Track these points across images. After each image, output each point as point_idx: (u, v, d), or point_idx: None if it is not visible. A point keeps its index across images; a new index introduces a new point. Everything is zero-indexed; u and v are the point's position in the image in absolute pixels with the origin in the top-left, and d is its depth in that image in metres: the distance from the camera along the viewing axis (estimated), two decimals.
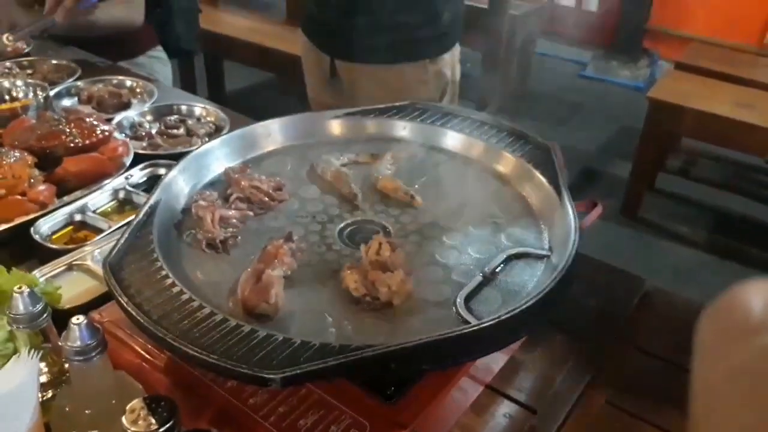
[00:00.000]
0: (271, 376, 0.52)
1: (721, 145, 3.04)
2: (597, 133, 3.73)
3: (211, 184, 0.85)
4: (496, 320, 0.59)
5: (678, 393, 0.84)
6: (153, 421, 0.57)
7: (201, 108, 1.42)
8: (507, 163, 0.89)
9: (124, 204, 1.11)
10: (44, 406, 0.64)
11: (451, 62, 1.57)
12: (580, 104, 4.14)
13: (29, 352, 0.60)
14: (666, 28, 4.43)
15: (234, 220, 0.78)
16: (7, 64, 1.59)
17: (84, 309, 0.79)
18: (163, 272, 0.64)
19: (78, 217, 1.06)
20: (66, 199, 1.07)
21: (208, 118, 1.39)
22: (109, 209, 1.10)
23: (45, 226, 1.02)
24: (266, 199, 0.82)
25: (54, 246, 0.99)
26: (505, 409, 0.79)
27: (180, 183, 0.81)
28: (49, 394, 0.69)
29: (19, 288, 0.65)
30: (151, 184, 1.14)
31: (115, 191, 1.12)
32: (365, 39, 1.47)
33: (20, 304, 0.64)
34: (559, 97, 4.20)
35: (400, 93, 1.43)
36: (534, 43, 4.06)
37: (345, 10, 1.47)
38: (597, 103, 4.15)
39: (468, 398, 0.77)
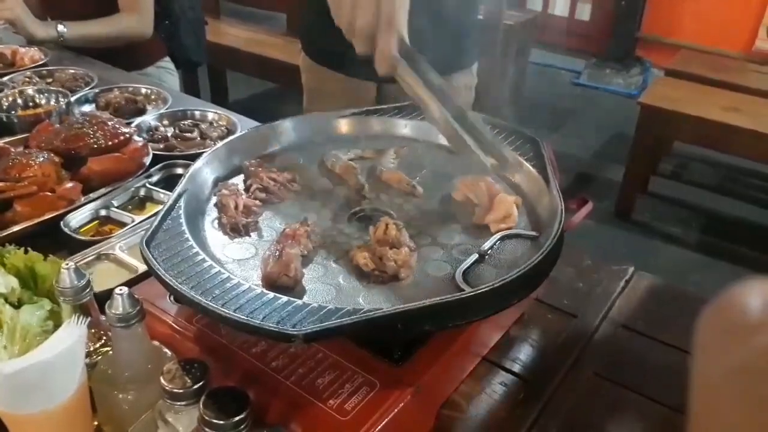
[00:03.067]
0: (295, 333, 0.60)
1: (712, 148, 3.13)
2: (591, 139, 3.83)
3: (232, 176, 0.93)
4: (488, 288, 0.68)
5: (657, 364, 0.93)
6: (188, 379, 0.65)
7: (213, 113, 1.50)
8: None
9: (144, 200, 1.19)
10: (87, 370, 0.72)
11: (474, 72, 1.62)
12: (573, 111, 4.23)
13: (77, 319, 0.68)
14: (658, 36, 4.53)
15: (254, 208, 0.86)
16: (27, 73, 1.67)
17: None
18: (194, 249, 0.72)
19: (103, 212, 1.14)
20: (92, 195, 1.15)
21: (220, 123, 1.47)
22: (131, 205, 1.18)
23: (73, 220, 1.10)
24: (282, 189, 0.90)
25: (83, 238, 1.07)
26: (501, 378, 0.87)
27: (204, 174, 0.89)
28: (90, 361, 0.77)
29: (66, 264, 0.73)
30: (169, 182, 1.22)
31: (137, 189, 1.20)
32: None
33: (66, 279, 0.72)
34: (553, 104, 4.30)
35: None
36: (528, 52, 4.15)
37: None
38: (591, 110, 4.25)
39: (467, 366, 0.84)
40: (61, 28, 1.92)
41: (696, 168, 3.50)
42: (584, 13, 5.03)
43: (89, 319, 0.75)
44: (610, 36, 4.61)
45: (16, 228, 1.05)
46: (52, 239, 1.05)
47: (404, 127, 1.06)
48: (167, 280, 0.67)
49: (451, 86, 1.49)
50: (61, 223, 1.07)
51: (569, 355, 0.91)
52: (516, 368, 0.88)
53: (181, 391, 0.63)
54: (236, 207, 0.83)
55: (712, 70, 3.23)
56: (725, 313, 0.38)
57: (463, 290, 0.71)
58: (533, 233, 0.84)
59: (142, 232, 0.76)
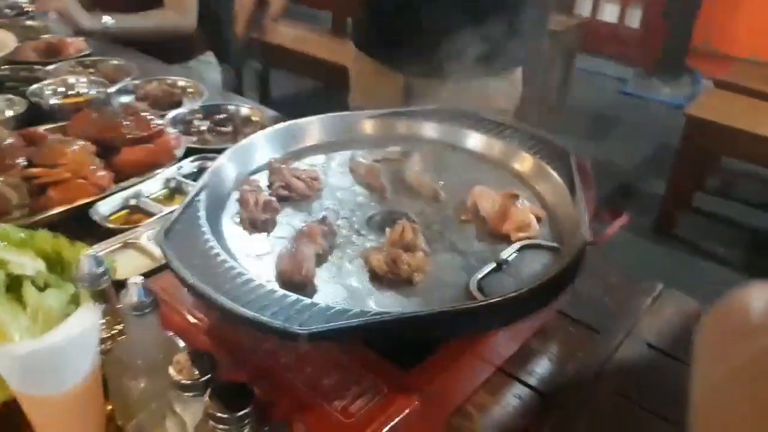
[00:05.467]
0: (299, 331, 0.60)
1: (762, 165, 3.01)
2: (635, 150, 3.74)
3: (255, 172, 0.94)
4: (500, 299, 0.66)
5: (683, 387, 0.90)
6: (196, 371, 0.65)
7: (247, 108, 1.51)
8: (526, 162, 0.95)
9: (174, 192, 1.21)
10: (102, 356, 0.73)
11: (521, 73, 1.60)
12: (619, 120, 4.15)
13: (93, 304, 0.69)
14: (710, 46, 4.40)
15: (274, 204, 0.86)
16: (72, 63, 1.72)
17: None
18: (210, 244, 0.73)
19: (133, 202, 1.16)
20: (123, 184, 1.17)
21: (254, 118, 1.49)
22: (161, 196, 1.20)
23: (103, 207, 1.12)
24: (304, 187, 0.90)
25: (111, 225, 1.09)
26: (516, 390, 0.85)
27: (227, 170, 0.90)
28: (105, 347, 0.78)
29: (86, 252, 0.74)
30: (200, 174, 1.23)
31: (167, 180, 1.21)
32: (451, 55, 1.43)
33: (86, 266, 0.74)
34: (598, 112, 4.22)
35: (482, 105, 1.46)
36: (575, 59, 4.09)
37: (429, 28, 1.44)
38: (637, 119, 4.16)
39: (480, 376, 0.83)
40: (107, 19, 1.96)
41: (744, 185, 3.38)
42: (634, 20, 4.92)
43: (105, 305, 0.76)
44: (660, 45, 4.50)
45: (48, 213, 1.08)
46: (83, 225, 1.07)
47: (431, 129, 1.05)
48: (180, 271, 0.67)
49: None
50: (91, 210, 1.09)
51: (589, 371, 0.89)
52: (533, 381, 0.86)
53: (188, 382, 0.64)
54: (256, 203, 0.83)
55: (765, 84, 3.12)
56: (727, 316, 0.39)
57: (476, 299, 0.70)
58: (554, 245, 0.82)
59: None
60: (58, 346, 0.65)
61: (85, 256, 0.74)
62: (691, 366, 0.40)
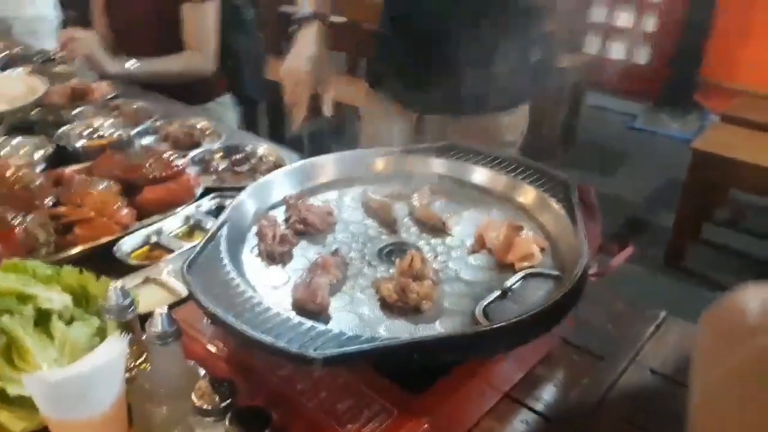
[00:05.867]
0: (314, 356, 0.64)
1: None
2: (644, 184, 3.77)
3: (273, 208, 0.99)
4: (503, 324, 0.70)
5: (686, 411, 0.92)
6: (216, 397, 0.69)
7: (264, 148, 1.57)
8: (529, 195, 1.00)
9: (194, 229, 1.26)
10: (126, 384, 0.77)
11: (528, 108, 1.66)
12: (627, 155, 4.18)
13: (119, 334, 0.74)
14: (717, 81, 4.46)
15: (291, 238, 0.91)
16: (97, 105, 1.80)
17: None
18: (230, 275, 0.78)
19: (154, 239, 1.21)
20: (145, 222, 1.23)
21: (270, 158, 1.55)
22: (181, 233, 1.25)
23: (126, 244, 1.17)
24: (319, 222, 0.95)
25: (133, 262, 1.14)
26: (523, 416, 0.88)
27: (247, 205, 0.95)
28: (129, 375, 0.82)
29: (114, 285, 0.79)
30: (219, 212, 1.28)
31: (187, 217, 1.26)
32: (462, 93, 1.48)
33: (113, 298, 0.78)
34: (607, 147, 4.26)
35: (491, 139, 1.51)
36: (583, 95, 4.15)
37: (441, 68, 1.50)
38: (645, 154, 4.19)
39: (487, 402, 0.86)
40: (130, 64, 2.05)
41: (753, 216, 3.40)
42: (641, 57, 5.00)
43: (131, 335, 0.80)
44: (667, 80, 4.56)
45: (74, 250, 1.13)
46: (105, 261, 1.12)
47: (438, 165, 1.10)
48: (202, 302, 0.72)
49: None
50: (115, 247, 1.14)
51: (594, 397, 0.91)
52: (539, 407, 0.89)
53: (210, 407, 0.67)
54: (274, 236, 0.88)
55: None
56: (725, 316, 0.39)
57: (481, 324, 0.74)
58: (557, 273, 0.86)
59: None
60: (87, 374, 0.69)
61: (113, 289, 0.78)
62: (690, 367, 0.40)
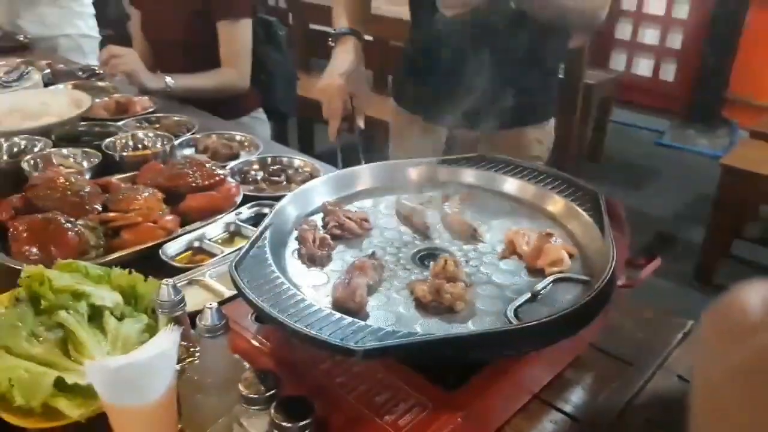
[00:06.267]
0: (356, 348, 0.68)
1: None
2: (672, 200, 3.76)
3: (312, 214, 1.04)
4: (533, 323, 0.74)
5: None
6: (262, 387, 0.73)
7: (299, 160, 1.63)
8: (558, 204, 1.04)
9: (234, 235, 1.32)
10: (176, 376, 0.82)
11: (553, 123, 1.69)
12: (655, 171, 4.18)
13: (172, 328, 0.79)
14: (745, 97, 4.44)
15: (329, 242, 0.96)
16: (138, 119, 1.88)
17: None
18: (275, 274, 0.83)
19: (197, 244, 1.27)
20: (188, 228, 1.29)
21: (305, 169, 1.60)
22: (222, 239, 1.31)
23: (170, 248, 1.23)
24: (355, 227, 1.00)
25: (178, 264, 1.20)
26: (552, 417, 0.91)
27: (289, 211, 1.01)
28: (178, 368, 0.87)
29: (166, 281, 0.84)
30: (258, 219, 1.34)
31: (227, 224, 1.32)
32: (491, 107, 1.49)
33: (165, 293, 0.83)
34: (634, 163, 4.26)
35: (518, 154, 1.53)
36: (610, 111, 4.17)
37: (468, 85, 1.50)
38: (673, 170, 4.18)
39: (518, 401, 0.89)
40: (169, 80, 2.13)
41: None
42: (668, 73, 5.00)
43: (182, 328, 0.86)
44: (694, 96, 4.55)
45: (122, 253, 1.19)
46: (151, 264, 1.17)
47: (469, 175, 1.14)
48: (251, 298, 0.77)
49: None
50: (160, 251, 1.20)
51: (621, 401, 0.94)
52: (568, 408, 0.92)
53: (256, 396, 0.72)
54: (314, 240, 0.93)
55: None
56: (726, 314, 0.39)
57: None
58: (586, 278, 0.90)
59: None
60: (144, 362, 0.74)
61: (165, 286, 0.84)
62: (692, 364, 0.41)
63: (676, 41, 4.95)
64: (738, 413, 0.36)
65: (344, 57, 1.51)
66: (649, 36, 5.10)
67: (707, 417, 0.39)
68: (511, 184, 1.10)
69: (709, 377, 0.39)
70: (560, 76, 1.68)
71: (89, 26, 3.13)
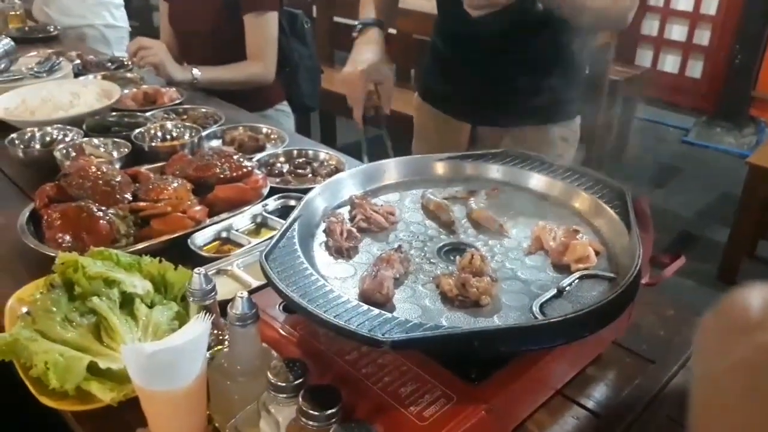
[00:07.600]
0: (383, 339, 0.70)
1: None
2: (697, 198, 3.73)
3: (339, 207, 1.06)
4: (559, 318, 0.74)
5: None
6: (290, 376, 0.75)
7: (324, 153, 1.65)
8: (584, 201, 1.04)
9: (260, 226, 1.34)
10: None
11: (579, 121, 1.68)
12: (680, 169, 4.14)
13: (204, 315, 0.81)
14: None
15: (356, 234, 0.97)
16: (166, 110, 1.91)
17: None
18: (304, 265, 0.84)
19: (224, 234, 1.29)
20: (215, 218, 1.31)
21: (330, 162, 1.62)
22: (249, 230, 1.33)
23: (199, 238, 1.25)
24: (382, 220, 1.01)
25: (206, 254, 1.22)
26: (574, 412, 0.92)
27: (317, 203, 1.02)
28: (209, 355, 0.89)
29: (198, 270, 0.86)
30: (284, 211, 1.36)
31: (254, 215, 1.34)
32: (516, 104, 1.52)
33: (197, 282, 0.85)
34: (660, 161, 4.22)
35: (544, 151, 1.53)
36: (635, 108, 4.13)
37: (493, 81, 1.54)
38: (698, 168, 4.14)
39: (540, 396, 0.90)
40: (195, 72, 2.16)
41: None
42: (695, 70, 4.94)
43: (213, 316, 0.88)
44: (722, 93, 4.49)
45: (152, 242, 1.22)
46: (180, 253, 1.19)
47: (495, 171, 1.15)
48: (280, 287, 0.78)
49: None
50: (189, 240, 1.23)
51: (643, 397, 0.94)
52: (590, 404, 0.93)
53: (284, 384, 0.73)
54: (341, 233, 0.94)
55: None
56: (727, 313, 0.40)
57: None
58: (612, 275, 0.90)
59: (258, 252, 0.89)
60: (177, 348, 0.76)
61: (197, 275, 0.86)
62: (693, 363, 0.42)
63: (703, 38, 4.88)
64: (738, 409, 0.37)
65: (366, 47, 1.52)
66: (677, 32, 5.04)
67: (708, 413, 0.39)
68: (537, 180, 1.11)
69: (710, 373, 0.40)
70: (587, 72, 1.66)
71: (115, 17, 3.17)
